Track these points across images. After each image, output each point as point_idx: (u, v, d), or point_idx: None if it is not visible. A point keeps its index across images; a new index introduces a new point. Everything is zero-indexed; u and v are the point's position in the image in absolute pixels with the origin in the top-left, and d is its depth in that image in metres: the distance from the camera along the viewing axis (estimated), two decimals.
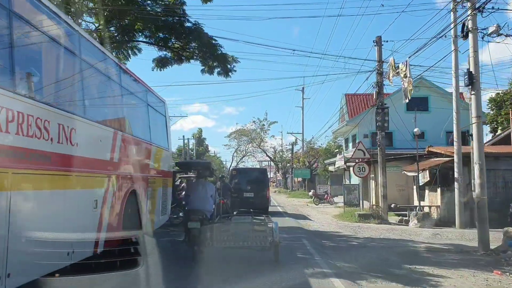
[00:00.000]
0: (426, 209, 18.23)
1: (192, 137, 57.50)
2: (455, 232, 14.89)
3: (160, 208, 9.11)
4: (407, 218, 18.20)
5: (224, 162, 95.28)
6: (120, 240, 6.42)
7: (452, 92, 35.77)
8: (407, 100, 15.76)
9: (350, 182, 28.86)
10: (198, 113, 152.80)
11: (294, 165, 55.53)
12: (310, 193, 42.10)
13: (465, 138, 33.50)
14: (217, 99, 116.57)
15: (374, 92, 18.30)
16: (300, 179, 55.70)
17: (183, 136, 54.50)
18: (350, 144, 38.98)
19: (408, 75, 14.39)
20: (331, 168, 40.90)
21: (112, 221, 6.33)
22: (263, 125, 62.34)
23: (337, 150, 42.42)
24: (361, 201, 19.64)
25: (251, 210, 10.89)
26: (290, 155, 62.32)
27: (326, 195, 30.23)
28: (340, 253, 9.16)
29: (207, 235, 7.82)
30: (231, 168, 60.60)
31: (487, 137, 29.94)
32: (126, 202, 6.89)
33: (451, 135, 32.96)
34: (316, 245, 9.98)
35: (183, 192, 16.83)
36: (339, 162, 31.15)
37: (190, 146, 58.21)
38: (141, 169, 7.86)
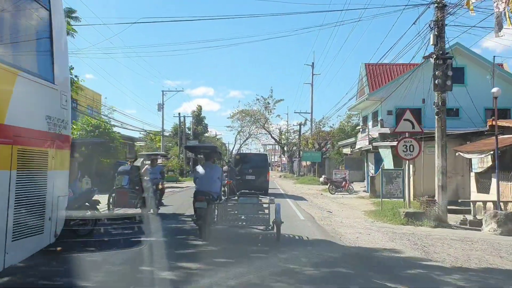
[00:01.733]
0: (492, 205, 12.65)
1: (191, 115, 51.66)
2: None
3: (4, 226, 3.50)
4: (472, 218, 12.65)
5: (226, 145, 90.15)
6: None
7: (493, 62, 30.02)
8: (501, 34, 9.96)
9: (376, 166, 23.28)
10: (203, 96, 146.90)
11: (302, 148, 49.90)
12: (321, 179, 36.59)
13: (506, 115, 27.88)
14: (214, 43, 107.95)
15: (432, 36, 12.52)
16: (308, 163, 50.14)
17: (179, 114, 48.90)
18: (370, 123, 33.22)
19: None
20: (345, 150, 35.26)
21: None
22: (268, 103, 56.60)
23: (359, 127, 36.58)
24: (407, 192, 13.91)
25: (253, 191, 9.93)
26: (297, 137, 56.69)
27: (344, 182, 24.63)
28: None
29: (213, 215, 8.57)
30: (234, 153, 61.03)
31: None
32: None
33: (492, 112, 27.41)
34: None
35: (146, 177, 11.74)
36: (362, 142, 25.44)
37: (188, 125, 52.58)
38: None
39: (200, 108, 53.39)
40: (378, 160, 23.23)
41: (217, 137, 68.36)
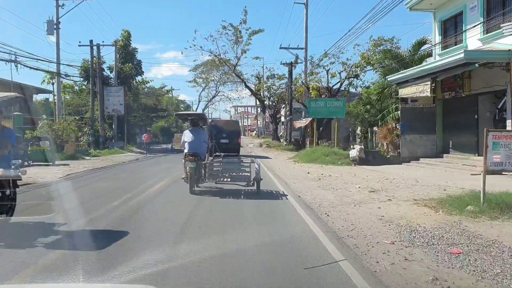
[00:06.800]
0: None
1: (113, 45, 31.07)
2: None
3: None
4: None
5: (190, 103, 71.27)
6: None
7: None
8: None
9: None
10: (173, 60, 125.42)
11: (297, 97, 30.81)
12: (353, 153, 17.98)
13: None
14: None
15: None
16: (304, 122, 31.34)
17: (91, 41, 28.47)
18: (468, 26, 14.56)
19: None
20: (406, 91, 16.47)
21: None
22: (240, 32, 36.71)
23: (428, 46, 17.77)
24: None
25: (226, 154, 11.75)
26: (283, 85, 37.63)
27: None
28: None
29: (201, 173, 9.76)
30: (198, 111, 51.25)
31: None
32: None
33: None
34: None
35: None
36: None
37: (111, 62, 32.21)
38: None
39: (127, 36, 32.61)
40: None
41: (165, 89, 47.95)
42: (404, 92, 16.72)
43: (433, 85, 14.81)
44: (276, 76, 38.11)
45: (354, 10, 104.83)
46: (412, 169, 15.06)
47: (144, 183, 11.39)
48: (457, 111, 16.03)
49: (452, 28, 16.41)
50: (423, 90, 15.08)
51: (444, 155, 16.60)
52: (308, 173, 13.86)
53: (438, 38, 17.05)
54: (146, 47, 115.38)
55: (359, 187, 10.11)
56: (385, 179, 11.88)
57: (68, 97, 38.74)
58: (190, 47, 36.59)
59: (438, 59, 15.47)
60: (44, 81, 32.81)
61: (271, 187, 10.48)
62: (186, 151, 9.77)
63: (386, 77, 18.55)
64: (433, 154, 17.17)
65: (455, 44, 15.99)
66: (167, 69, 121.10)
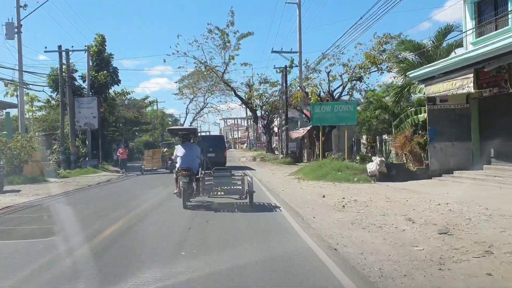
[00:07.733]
0: None
1: (85, 51, 27.59)
2: None
3: None
4: None
5: (177, 117, 67.91)
6: None
7: None
8: None
9: None
10: (161, 75, 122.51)
11: (294, 102, 27.51)
12: (372, 167, 14.74)
13: None
14: None
15: None
16: (301, 132, 28.14)
17: (59, 47, 25.01)
18: None
19: None
20: (434, 89, 13.29)
21: None
22: (227, 35, 33.53)
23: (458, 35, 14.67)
24: None
25: (216, 168, 10.86)
26: (276, 92, 34.49)
27: None
28: None
29: (193, 187, 9.63)
30: (186, 125, 50.77)
31: None
32: None
33: None
34: None
35: None
36: None
37: (81, 72, 28.68)
38: None
39: (102, 41, 29.03)
40: None
41: (148, 100, 44.26)
42: (434, 89, 13.51)
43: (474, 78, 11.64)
44: (268, 82, 35.00)
45: (349, 11, 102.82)
46: (451, 186, 11.80)
47: (100, 221, 7.91)
48: (502, 111, 12.85)
49: (489, 9, 13.35)
50: (463, 85, 11.88)
51: (485, 166, 13.38)
52: (324, 196, 10.49)
53: (470, 24, 13.96)
54: (134, 63, 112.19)
55: (412, 222, 6.76)
56: (436, 204, 8.56)
57: (44, 113, 35.11)
58: (173, 53, 33.20)
59: (477, 47, 12.31)
60: (7, 93, 29.04)
61: (282, 228, 7.13)
62: (178, 165, 9.73)
63: (407, 73, 15.34)
64: (468, 165, 13.96)
65: (496, 29, 12.90)
66: (155, 84, 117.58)
